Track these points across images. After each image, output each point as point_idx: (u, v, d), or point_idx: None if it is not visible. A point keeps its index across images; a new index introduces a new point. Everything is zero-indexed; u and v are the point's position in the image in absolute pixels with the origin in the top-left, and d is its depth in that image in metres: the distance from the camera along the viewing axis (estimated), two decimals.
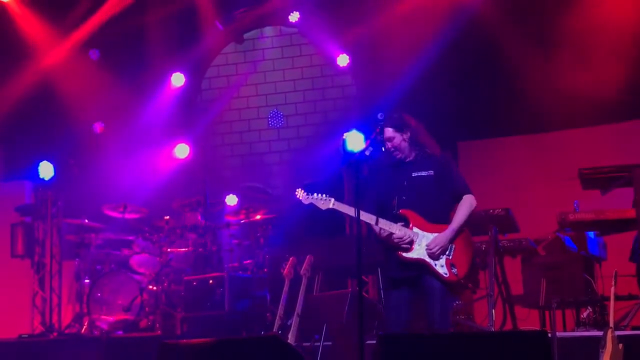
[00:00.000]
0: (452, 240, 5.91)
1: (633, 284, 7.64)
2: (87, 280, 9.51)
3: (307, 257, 7.44)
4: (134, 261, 9.63)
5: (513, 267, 8.21)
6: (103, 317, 9.17)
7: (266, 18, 11.65)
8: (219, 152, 11.96)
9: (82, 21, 11.10)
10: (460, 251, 5.93)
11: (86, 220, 9.75)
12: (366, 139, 6.23)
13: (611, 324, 6.08)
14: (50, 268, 10.16)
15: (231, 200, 10.73)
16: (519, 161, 10.25)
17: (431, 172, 6.01)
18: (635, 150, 9.10)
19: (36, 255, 10.30)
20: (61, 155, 10.39)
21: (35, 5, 11.05)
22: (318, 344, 7.34)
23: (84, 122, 11.22)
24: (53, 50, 11.13)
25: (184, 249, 9.67)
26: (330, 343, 7.46)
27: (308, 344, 7.45)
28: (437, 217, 5.98)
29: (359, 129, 8.99)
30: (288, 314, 7.40)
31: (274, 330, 7.33)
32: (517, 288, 8.10)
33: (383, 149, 6.05)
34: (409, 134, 6.07)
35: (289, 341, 6.94)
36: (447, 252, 5.89)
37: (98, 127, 11.34)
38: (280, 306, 7.37)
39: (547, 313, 7.93)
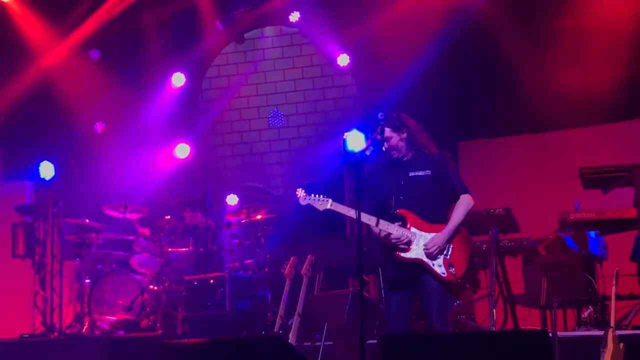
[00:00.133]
0: (449, 240, 5.93)
1: (634, 284, 7.64)
2: (87, 280, 9.51)
3: (308, 256, 7.44)
4: (135, 261, 9.64)
5: (514, 267, 8.21)
6: (104, 317, 9.18)
7: (266, 18, 11.64)
8: (220, 152, 11.96)
9: (82, 21, 11.11)
10: (457, 251, 5.94)
11: (87, 220, 9.75)
12: (367, 138, 6.23)
13: (612, 324, 6.08)
14: (51, 268, 10.16)
15: (232, 200, 10.73)
16: (519, 161, 10.24)
17: (428, 172, 6.02)
18: (635, 149, 9.10)
19: (37, 255, 10.30)
20: (62, 155, 10.39)
21: (35, 5, 11.05)
22: (319, 343, 7.34)
23: (84, 122, 11.23)
24: (54, 50, 11.13)
25: (184, 249, 9.67)
26: (331, 343, 7.46)
27: (309, 343, 7.45)
28: (434, 217, 5.99)
29: (360, 129, 8.99)
30: (289, 313, 7.40)
31: (275, 330, 7.33)
32: (518, 288, 8.10)
33: (383, 148, 6.05)
34: (406, 133, 6.08)
35: (289, 341, 6.94)
36: (444, 252, 5.90)
37: (99, 127, 11.35)
38: (281, 306, 7.37)
39: (548, 313, 7.93)
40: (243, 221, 9.75)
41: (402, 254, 5.90)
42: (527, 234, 8.25)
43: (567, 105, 9.58)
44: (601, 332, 6.19)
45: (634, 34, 9.57)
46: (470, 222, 7.80)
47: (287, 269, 7.52)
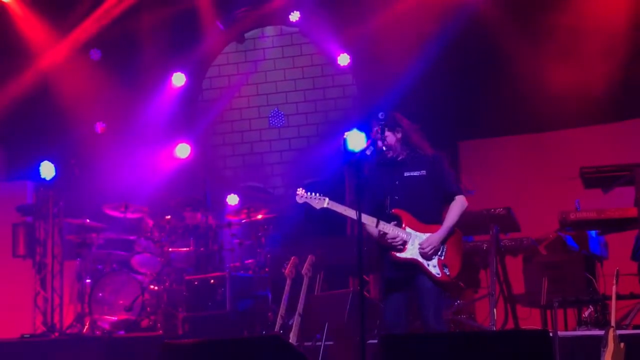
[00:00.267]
0: (444, 241, 5.94)
1: (635, 283, 7.63)
2: (88, 280, 9.52)
3: (309, 256, 7.44)
4: (136, 261, 9.64)
5: (514, 267, 8.21)
6: (105, 317, 9.18)
7: (267, 18, 11.65)
8: (220, 152, 11.96)
9: (82, 21, 11.10)
10: (452, 251, 5.96)
11: (87, 220, 9.75)
12: (367, 138, 6.23)
13: (613, 323, 6.07)
14: (51, 268, 10.15)
15: (232, 199, 10.73)
16: (520, 160, 10.24)
17: (423, 172, 6.03)
18: (636, 149, 9.10)
19: (37, 255, 10.29)
20: (62, 155, 10.39)
21: (36, 5, 11.05)
22: (319, 343, 7.33)
23: (85, 122, 11.23)
24: (54, 51, 11.13)
25: (185, 249, 9.68)
26: (331, 343, 7.46)
27: (309, 343, 7.44)
28: (429, 217, 6.00)
29: (360, 129, 8.98)
30: (289, 313, 7.40)
31: (276, 329, 7.33)
32: (518, 287, 8.10)
33: (384, 148, 6.05)
34: (401, 133, 6.09)
35: (290, 341, 6.94)
36: (439, 253, 5.91)
37: (99, 127, 11.35)
38: (281, 306, 7.37)
39: (548, 312, 7.92)
40: (243, 221, 9.75)
41: (398, 254, 5.92)
42: (527, 233, 8.25)
43: (567, 105, 9.57)
44: (602, 332, 6.18)
45: (634, 33, 9.57)
46: (471, 221, 7.85)
47: (287, 269, 7.52)
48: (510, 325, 7.96)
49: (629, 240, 7.81)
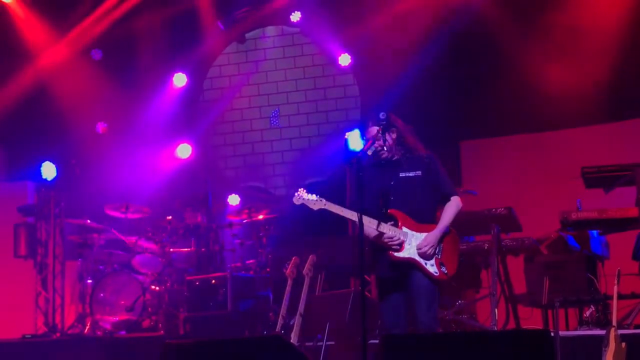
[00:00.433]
0: (441, 240, 5.95)
1: (636, 283, 7.63)
2: (89, 281, 9.52)
3: (310, 256, 7.44)
4: (137, 261, 9.63)
5: (516, 266, 8.21)
6: (106, 317, 9.18)
7: (268, 18, 11.65)
8: (221, 152, 11.96)
9: (83, 21, 11.11)
10: (448, 250, 5.99)
11: (88, 221, 9.75)
12: (362, 138, 6.25)
13: (614, 323, 6.07)
14: (52, 268, 10.15)
15: (233, 200, 10.74)
16: (521, 160, 10.24)
17: (418, 173, 6.05)
18: (637, 149, 9.10)
19: (39, 255, 10.29)
20: (63, 155, 10.40)
21: (36, 5, 11.05)
22: (321, 343, 7.33)
23: (86, 123, 11.23)
24: (55, 51, 11.13)
25: (186, 249, 9.68)
26: (332, 343, 7.46)
27: (311, 343, 7.44)
28: (424, 217, 6.02)
29: (361, 129, 8.99)
30: (291, 313, 7.40)
31: (277, 330, 7.34)
32: (519, 287, 8.10)
33: (384, 148, 6.06)
34: (395, 133, 6.09)
35: (291, 341, 6.94)
36: (436, 252, 5.92)
37: (100, 127, 11.35)
38: (282, 306, 7.37)
39: (549, 312, 7.92)
40: (245, 221, 9.75)
41: (396, 254, 5.92)
42: (528, 233, 8.24)
43: (568, 105, 9.58)
44: (603, 332, 6.18)
45: (634, 32, 9.57)
46: (472, 221, 7.86)
47: (288, 269, 7.52)
48: (511, 325, 7.96)
49: (630, 240, 7.81)
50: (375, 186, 6.02)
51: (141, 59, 11.36)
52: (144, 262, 9.63)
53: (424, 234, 5.94)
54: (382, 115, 6.05)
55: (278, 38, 11.89)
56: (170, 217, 9.74)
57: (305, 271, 7.35)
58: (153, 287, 9.35)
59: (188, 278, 9.24)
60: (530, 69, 9.84)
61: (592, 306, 7.79)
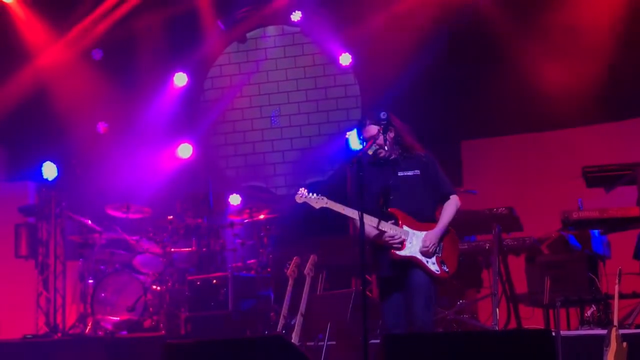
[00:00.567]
0: (441, 239, 5.96)
1: (637, 282, 7.61)
2: (91, 281, 9.53)
3: (311, 256, 7.44)
4: (138, 261, 9.64)
5: (517, 266, 8.20)
6: (107, 317, 9.18)
7: (268, 17, 11.64)
8: (222, 152, 11.96)
9: (84, 22, 11.10)
10: (448, 249, 6.00)
11: (89, 221, 9.75)
12: (358, 136, 6.25)
13: (615, 323, 6.07)
14: (54, 268, 10.15)
15: (234, 199, 10.74)
16: (522, 160, 10.24)
17: (417, 172, 6.06)
18: (639, 148, 9.09)
19: (40, 255, 10.29)
20: (64, 155, 10.40)
21: (37, 6, 11.05)
22: (322, 343, 7.33)
23: (87, 123, 11.23)
24: (56, 51, 11.13)
25: (187, 249, 9.68)
26: (334, 342, 7.46)
27: (312, 343, 7.44)
28: (424, 216, 6.03)
29: (358, 128, 8.98)
30: (292, 313, 7.39)
31: (278, 329, 7.34)
32: (521, 287, 8.09)
33: (386, 147, 6.06)
34: (393, 133, 6.09)
35: (292, 341, 6.94)
36: (437, 250, 5.94)
37: (101, 127, 11.35)
38: (284, 306, 7.37)
39: (551, 312, 7.91)
40: (246, 221, 9.75)
41: (397, 252, 5.92)
42: (530, 233, 8.24)
43: (570, 104, 9.57)
44: (604, 331, 6.18)
45: (634, 31, 9.57)
46: (473, 221, 7.86)
47: (290, 269, 7.52)
48: (512, 324, 7.95)
49: (631, 240, 7.80)
50: (375, 185, 6.03)
51: (142, 59, 11.36)
52: (145, 262, 9.63)
53: (424, 233, 5.95)
54: (383, 115, 6.05)
55: (279, 38, 11.89)
56: (171, 217, 9.74)
57: (306, 271, 7.35)
58: (154, 287, 9.36)
59: (189, 278, 9.24)
60: (531, 69, 9.84)
61: (593, 306, 7.79)
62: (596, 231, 8.02)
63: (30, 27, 11.07)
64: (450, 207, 6.08)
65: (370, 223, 5.86)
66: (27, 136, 11.32)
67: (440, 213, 6.10)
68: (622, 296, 6.37)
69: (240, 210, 10.05)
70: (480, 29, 10.08)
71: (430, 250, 5.91)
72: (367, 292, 6.33)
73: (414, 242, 5.94)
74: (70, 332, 9.51)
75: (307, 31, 11.59)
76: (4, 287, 10.59)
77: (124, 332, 9.04)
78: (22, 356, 8.79)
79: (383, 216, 5.94)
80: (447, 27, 10.16)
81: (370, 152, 6.02)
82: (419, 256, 5.92)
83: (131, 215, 9.82)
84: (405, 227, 5.95)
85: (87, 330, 9.31)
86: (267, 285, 9.22)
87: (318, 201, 5.98)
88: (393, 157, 6.10)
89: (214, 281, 9.02)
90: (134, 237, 9.76)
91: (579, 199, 7.84)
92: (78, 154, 10.53)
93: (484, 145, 10.62)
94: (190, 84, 11.70)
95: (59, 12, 11.08)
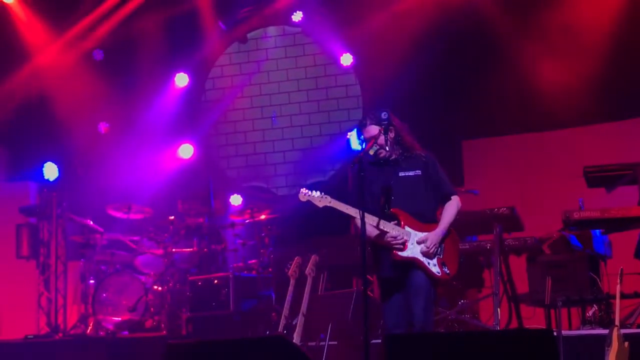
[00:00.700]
0: (442, 240, 5.95)
1: (639, 282, 7.62)
2: (92, 281, 9.53)
3: (312, 256, 7.44)
4: (139, 261, 9.64)
5: (518, 266, 8.20)
6: (108, 317, 9.19)
7: (269, 18, 11.64)
8: (223, 152, 11.96)
9: (85, 22, 11.11)
10: (449, 251, 5.98)
11: (91, 221, 9.76)
12: (358, 137, 6.24)
13: (617, 322, 6.06)
14: (55, 269, 10.16)
15: (236, 200, 10.75)
16: (523, 160, 10.24)
17: (418, 172, 6.05)
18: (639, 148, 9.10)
19: (41, 256, 10.30)
20: (66, 155, 10.40)
21: (38, 6, 11.06)
22: (323, 343, 7.33)
23: (88, 123, 11.23)
24: (57, 51, 11.14)
25: (188, 249, 9.68)
26: (335, 342, 7.46)
27: (313, 343, 7.45)
28: (425, 217, 6.02)
29: (358, 128, 8.98)
30: (293, 313, 7.39)
31: (279, 330, 7.33)
32: (522, 287, 8.09)
33: (387, 147, 6.05)
34: (393, 133, 6.09)
35: (294, 341, 6.94)
36: (438, 252, 5.93)
37: (102, 127, 11.36)
38: (285, 306, 7.36)
39: (552, 311, 7.92)
40: (247, 221, 9.76)
41: (400, 253, 5.91)
42: (531, 232, 8.24)
43: (571, 104, 9.57)
44: (606, 331, 6.18)
45: (635, 32, 9.57)
46: (475, 221, 7.85)
47: (291, 269, 7.51)
48: (514, 324, 7.95)
49: (632, 239, 7.80)
50: (376, 186, 6.02)
51: (143, 59, 11.35)
52: (147, 262, 9.64)
53: (425, 234, 5.93)
54: (383, 115, 6.04)
55: (280, 38, 11.89)
56: (172, 217, 9.74)
57: (307, 271, 7.35)
58: (155, 287, 9.36)
59: (190, 278, 9.24)
60: (531, 69, 9.83)
61: (594, 305, 7.79)
62: (597, 231, 8.02)
63: (31, 28, 11.08)
64: (452, 207, 6.07)
65: (371, 222, 5.85)
66: (28, 136, 11.33)
67: (441, 213, 6.09)
68: (623, 296, 6.36)
69: (241, 210, 10.06)
70: (481, 29, 10.08)
71: (432, 251, 5.90)
72: (369, 292, 6.32)
73: (415, 243, 5.92)
74: (72, 332, 9.52)
75: (308, 31, 11.60)
76: (5, 287, 10.60)
77: (125, 333, 9.05)
78: (23, 356, 8.79)
79: (385, 216, 5.93)
80: (448, 27, 10.16)
81: (371, 152, 6.01)
82: (421, 257, 5.90)
83: (132, 216, 9.83)
84: (407, 228, 5.93)
85: (88, 331, 9.31)
86: (269, 286, 9.23)
87: (322, 200, 5.96)
88: (394, 157, 6.09)
89: (215, 281, 9.02)
90: (135, 238, 9.76)
91: (580, 199, 7.83)
92: (79, 154, 10.54)
93: (485, 145, 10.62)
94: (191, 85, 11.70)
95: (60, 13, 11.08)
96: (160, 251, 9.60)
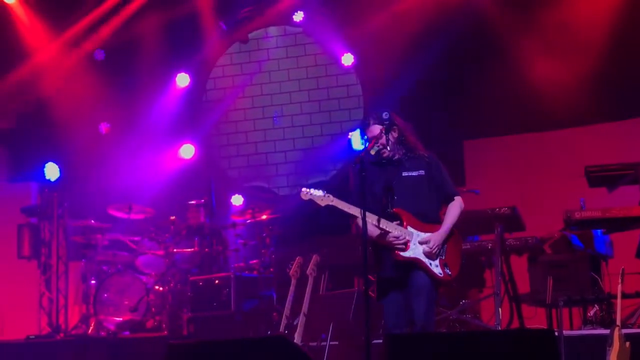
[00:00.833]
0: (445, 241, 5.94)
1: None
2: (93, 281, 9.53)
3: (313, 256, 7.44)
4: (140, 262, 9.64)
5: (519, 266, 8.20)
6: (110, 317, 9.19)
7: (271, 18, 11.64)
8: (224, 152, 11.96)
9: (87, 23, 11.11)
10: (452, 252, 5.97)
11: (92, 221, 9.76)
12: (362, 137, 6.23)
13: (618, 322, 6.06)
14: (56, 269, 10.17)
15: (237, 200, 10.74)
16: (524, 159, 10.24)
17: (422, 172, 6.03)
18: None
19: (42, 256, 10.30)
20: (67, 156, 10.40)
21: (39, 6, 11.06)
22: (324, 343, 7.33)
23: (89, 123, 11.23)
24: (58, 52, 11.14)
25: (190, 249, 9.68)
26: (336, 342, 7.46)
27: (314, 343, 7.45)
28: (428, 217, 6.00)
29: (361, 128, 8.98)
30: (294, 313, 7.40)
31: (281, 330, 7.33)
32: (523, 287, 8.09)
33: (389, 147, 6.04)
34: (396, 132, 6.08)
35: (295, 341, 6.94)
36: (440, 253, 5.92)
37: (103, 127, 11.36)
38: (286, 306, 7.36)
39: (553, 311, 7.92)
40: (248, 221, 9.75)
41: (401, 253, 5.90)
42: (532, 232, 8.24)
43: (572, 104, 9.57)
44: (607, 331, 6.18)
45: (636, 32, 9.57)
46: (476, 221, 7.85)
47: (292, 269, 7.51)
48: (515, 324, 7.95)
49: (634, 239, 7.80)
50: (378, 185, 6.01)
51: (144, 59, 11.36)
52: (148, 262, 9.64)
53: (427, 234, 5.92)
54: (385, 115, 6.03)
55: (281, 38, 11.89)
56: (173, 218, 9.74)
57: (308, 271, 7.35)
58: (157, 287, 9.36)
59: (192, 278, 9.24)
60: (532, 69, 9.83)
61: (596, 305, 7.79)
62: (599, 231, 8.02)
63: (33, 28, 11.08)
64: (455, 208, 6.04)
65: (372, 222, 5.84)
66: (29, 137, 11.33)
67: (444, 214, 6.08)
68: (624, 296, 6.36)
69: (242, 210, 10.05)
70: (481, 29, 10.07)
71: (434, 252, 5.88)
72: (370, 292, 6.31)
73: (417, 244, 5.90)
74: (73, 332, 9.52)
75: (309, 31, 11.60)
76: (6, 287, 10.60)
77: (127, 333, 9.05)
78: (24, 356, 8.79)
79: (387, 216, 5.92)
80: (449, 27, 10.15)
81: (372, 152, 6.00)
82: (423, 258, 5.88)
83: (133, 216, 9.83)
84: (409, 228, 5.92)
85: (89, 331, 9.32)
86: (270, 286, 9.23)
87: (324, 199, 5.93)
88: (397, 157, 6.07)
89: (217, 281, 9.02)
90: (136, 238, 9.76)
91: (581, 199, 7.83)
92: (80, 154, 10.54)
93: (486, 145, 10.62)
94: (193, 85, 11.70)
95: (62, 13, 11.08)
96: (161, 251, 9.60)
